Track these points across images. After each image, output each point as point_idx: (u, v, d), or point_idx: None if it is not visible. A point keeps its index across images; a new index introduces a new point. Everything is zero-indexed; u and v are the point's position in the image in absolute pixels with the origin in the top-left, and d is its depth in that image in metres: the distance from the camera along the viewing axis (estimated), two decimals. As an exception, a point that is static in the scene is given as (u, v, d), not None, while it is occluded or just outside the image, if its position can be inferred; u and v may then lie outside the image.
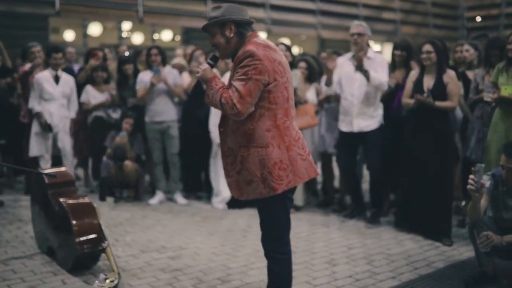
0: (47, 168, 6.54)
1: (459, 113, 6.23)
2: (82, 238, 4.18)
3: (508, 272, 4.14)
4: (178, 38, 16.11)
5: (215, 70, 3.66)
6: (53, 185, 4.60)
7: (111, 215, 6.13)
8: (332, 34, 16.82)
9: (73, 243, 4.17)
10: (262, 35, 16.07)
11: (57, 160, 6.93)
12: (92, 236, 4.23)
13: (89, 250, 4.19)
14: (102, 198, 6.75)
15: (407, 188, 5.45)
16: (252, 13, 15.53)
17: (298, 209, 6.33)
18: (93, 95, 7.20)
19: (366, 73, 5.55)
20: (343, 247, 5.05)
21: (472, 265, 4.45)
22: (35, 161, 6.76)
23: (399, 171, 5.63)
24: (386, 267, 4.51)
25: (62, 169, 4.93)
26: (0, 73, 6.40)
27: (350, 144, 5.93)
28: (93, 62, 7.26)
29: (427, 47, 5.25)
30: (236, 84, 2.94)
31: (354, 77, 5.73)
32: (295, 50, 17.84)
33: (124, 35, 15.67)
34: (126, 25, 15.62)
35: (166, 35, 15.96)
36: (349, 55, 5.96)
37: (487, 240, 3.86)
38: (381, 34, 17.43)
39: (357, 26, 5.83)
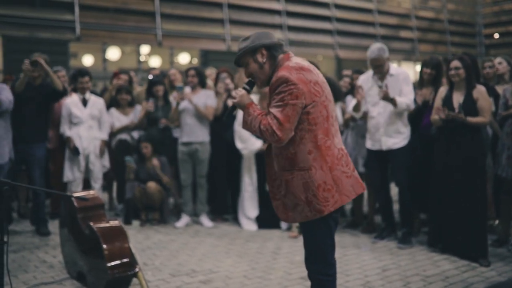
0: (77, 191, 6.55)
1: (488, 130, 6.12)
2: (113, 263, 4.11)
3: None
4: (195, 60, 16.19)
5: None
6: (82, 209, 4.56)
7: (138, 239, 6.06)
8: (350, 54, 16.78)
9: (104, 268, 4.10)
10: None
11: (86, 183, 6.92)
12: (124, 260, 4.16)
13: (121, 274, 4.12)
14: (128, 222, 6.69)
15: (438, 207, 5.32)
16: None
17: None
18: (117, 118, 7.19)
19: (392, 101, 5.47)
20: (377, 268, 4.93)
21: (513, 286, 4.32)
22: (64, 185, 6.75)
23: (429, 190, 5.50)
24: (424, 289, 4.39)
25: (92, 192, 4.89)
26: (53, 96, 6.34)
27: (380, 163, 5.84)
28: (115, 81, 7.26)
29: (455, 63, 5.17)
30: (274, 111, 2.90)
31: (378, 95, 5.65)
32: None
33: (142, 58, 15.80)
34: (145, 49, 15.75)
35: (183, 58, 16.04)
36: (371, 72, 5.88)
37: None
38: (398, 53, 17.35)
39: (374, 59, 5.68)
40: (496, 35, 18.94)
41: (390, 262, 5.12)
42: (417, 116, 5.92)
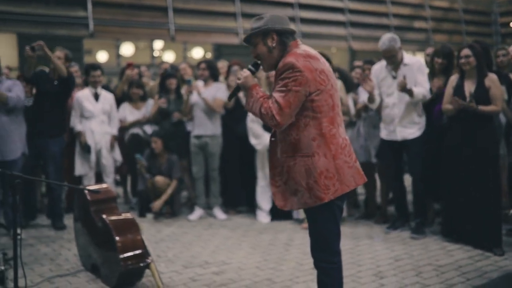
0: (90, 185, 6.62)
1: (502, 118, 6.07)
2: (126, 254, 4.15)
3: None
4: (209, 55, 16.21)
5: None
6: (95, 202, 4.60)
7: (152, 231, 6.11)
8: (363, 45, 16.69)
9: (117, 260, 4.15)
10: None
11: (98, 177, 6.99)
12: (136, 252, 4.20)
13: (133, 266, 4.16)
14: (142, 214, 6.75)
15: (450, 197, 5.29)
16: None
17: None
18: (130, 112, 7.24)
19: (409, 92, 5.43)
20: (389, 259, 4.91)
21: (527, 275, 4.29)
22: (78, 179, 6.81)
23: (441, 180, 5.47)
24: (437, 279, 4.36)
25: (104, 185, 4.93)
26: (63, 86, 6.33)
27: (394, 153, 5.81)
28: (129, 72, 7.29)
29: (465, 51, 5.12)
30: (276, 95, 2.91)
31: (393, 84, 5.62)
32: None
33: (156, 54, 15.85)
34: (158, 44, 15.80)
35: (197, 52, 16.07)
36: (384, 62, 5.84)
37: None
38: (413, 44, 17.22)
39: (386, 50, 5.61)
40: (513, 24, 18.73)
41: (402, 252, 5.10)
42: (430, 106, 5.87)
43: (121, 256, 4.14)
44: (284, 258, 5.01)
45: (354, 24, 16.56)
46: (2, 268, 4.39)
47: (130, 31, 13.85)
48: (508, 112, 5.89)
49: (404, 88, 5.40)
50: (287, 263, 4.87)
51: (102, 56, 15.25)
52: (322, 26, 16.06)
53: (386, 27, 16.81)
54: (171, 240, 5.76)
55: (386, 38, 5.68)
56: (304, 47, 3.06)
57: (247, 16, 14.53)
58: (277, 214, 6.45)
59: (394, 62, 5.67)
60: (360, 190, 7.31)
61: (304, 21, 15.73)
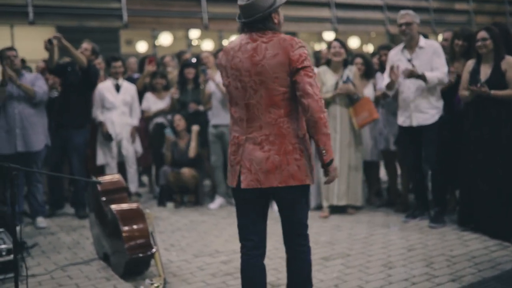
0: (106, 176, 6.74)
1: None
2: (131, 244, 4.22)
3: None
4: (244, 42, 16.18)
5: None
6: (105, 192, 4.69)
7: (171, 221, 6.19)
8: (418, 25, 16.29)
9: (123, 249, 4.22)
10: (329, 34, 15.86)
11: (122, 167, 7.11)
12: (141, 241, 4.26)
13: (139, 255, 4.22)
14: (162, 204, 6.84)
15: (468, 185, 5.13)
16: (318, 12, 15.37)
17: (358, 209, 6.15)
18: (154, 102, 7.32)
19: (421, 77, 5.29)
20: (402, 248, 4.81)
21: (543, 266, 4.12)
22: (101, 168, 6.95)
23: (460, 167, 5.31)
24: (447, 270, 4.24)
25: (115, 176, 5.02)
26: (85, 77, 6.49)
27: (411, 139, 5.67)
28: (150, 68, 7.37)
29: (482, 34, 4.94)
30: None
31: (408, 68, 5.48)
32: (368, 48, 17.48)
33: (194, 43, 15.93)
34: (195, 33, 15.85)
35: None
36: (400, 46, 5.71)
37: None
38: (453, 26, 16.66)
39: (403, 15, 5.57)
40: (561, 2, 17.91)
41: (417, 241, 4.99)
42: (451, 92, 5.68)
43: (127, 245, 4.21)
44: (296, 247, 4.98)
45: (391, 8, 16.15)
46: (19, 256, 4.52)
47: (163, 21, 13.99)
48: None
49: (412, 75, 5.27)
50: (297, 252, 4.83)
51: (141, 46, 15.45)
52: (358, 11, 15.77)
53: (425, 10, 16.35)
54: (187, 229, 5.82)
55: (406, 11, 5.66)
56: (236, 39, 3.12)
57: (280, 2, 14.35)
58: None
59: (410, 38, 5.54)
60: (384, 177, 7.17)
61: (340, 6, 15.48)
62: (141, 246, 4.24)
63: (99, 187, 4.69)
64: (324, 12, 15.37)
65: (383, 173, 6.94)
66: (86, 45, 6.65)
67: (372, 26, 16.33)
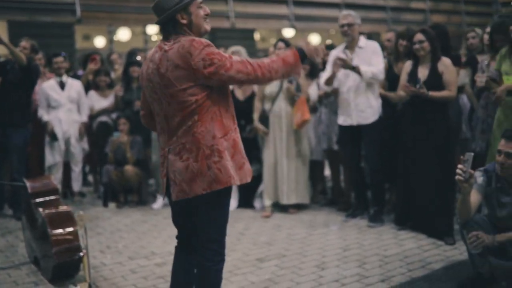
0: (58, 175, 6.60)
1: (466, 102, 5.92)
2: (59, 248, 4.11)
3: (506, 272, 3.82)
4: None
5: None
6: (35, 195, 4.56)
7: (112, 221, 6.08)
8: (360, 26, 16.42)
9: (51, 253, 4.11)
10: (288, 32, 15.88)
11: (67, 166, 6.97)
12: (69, 245, 4.16)
13: (67, 259, 4.12)
14: (105, 204, 6.72)
15: (405, 185, 5.18)
16: (276, 9, 15.34)
17: (301, 208, 6.16)
18: (97, 100, 7.19)
19: (355, 70, 5.33)
20: (338, 249, 4.83)
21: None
22: (42, 168, 6.79)
23: (397, 167, 5.36)
24: (378, 270, 4.27)
25: (47, 177, 4.90)
26: (23, 75, 6.27)
27: (351, 138, 5.70)
28: (92, 66, 7.23)
29: (419, 36, 4.99)
30: None
31: (347, 70, 5.51)
32: (328, 43, 17.49)
33: (153, 38, 15.73)
34: (153, 29, 15.65)
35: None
36: (342, 47, 5.75)
37: (477, 240, 3.59)
38: (410, 25, 16.83)
39: (345, 16, 5.61)
40: (514, 2, 18.27)
41: (354, 241, 5.01)
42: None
43: (55, 249, 4.10)
44: (233, 248, 4.94)
45: (349, 5, 16.18)
46: None
47: (119, 16, 13.74)
48: (471, 95, 5.75)
49: (347, 66, 5.32)
50: (234, 253, 4.80)
51: (99, 42, 15.20)
52: (316, 8, 15.81)
53: (382, 8, 16.53)
54: (127, 230, 5.73)
55: (348, 12, 5.72)
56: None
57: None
58: (242, 201, 6.40)
59: (351, 38, 5.60)
60: (329, 176, 7.20)
61: (298, 3, 15.49)
62: (69, 250, 4.14)
63: (29, 189, 4.57)
64: (282, 10, 15.35)
65: (328, 172, 6.97)
66: (24, 43, 6.48)
67: (330, 24, 16.37)
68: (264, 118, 6.06)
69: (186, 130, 2.82)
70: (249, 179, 2.97)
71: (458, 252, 4.59)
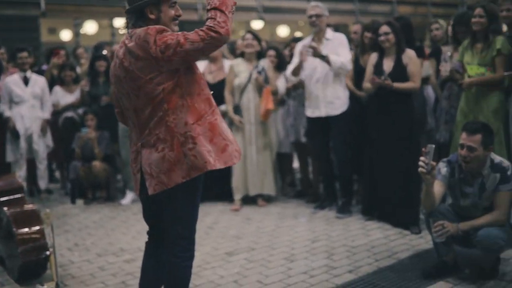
0: (21, 172, 6.50)
1: (431, 93, 6.01)
2: (25, 247, 4.04)
3: (469, 260, 3.92)
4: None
5: None
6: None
7: (79, 218, 6.02)
8: (328, 18, 16.47)
9: (17, 253, 4.05)
10: (256, 23, 15.87)
11: (32, 162, 6.86)
12: (35, 244, 4.09)
13: (33, 258, 4.06)
14: (73, 201, 6.64)
15: (371, 176, 5.25)
16: (244, 1, 15.28)
17: (270, 200, 6.18)
18: (62, 96, 7.08)
19: (324, 58, 5.37)
20: (306, 240, 4.87)
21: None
22: (8, 166, 6.67)
23: (363, 158, 5.43)
24: (346, 261, 4.33)
25: (11, 176, 4.82)
26: None
27: (320, 130, 5.74)
28: (55, 60, 7.12)
29: (384, 28, 5.04)
30: None
31: (315, 61, 5.54)
32: (297, 35, 17.56)
33: (121, 31, 15.49)
34: (120, 22, 15.44)
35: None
36: (309, 39, 5.78)
37: (442, 229, 3.66)
38: (377, 16, 17.01)
39: (313, 7, 5.64)
40: (478, -7, 18.56)
41: (322, 233, 5.06)
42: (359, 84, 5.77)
43: (20, 248, 4.03)
44: (202, 243, 4.92)
45: (317, -3, 16.33)
46: None
47: (85, 9, 13.54)
48: (436, 86, 5.84)
49: (317, 54, 5.38)
50: (203, 248, 4.79)
51: (65, 35, 14.95)
52: (284, 0, 15.82)
53: (350, 0, 16.60)
54: (96, 226, 5.68)
55: (316, 3, 5.74)
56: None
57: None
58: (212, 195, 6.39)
59: (319, 29, 5.65)
60: (298, 168, 7.25)
61: (264, -6, 15.49)
62: (36, 249, 4.07)
63: (-8, 188, 4.48)
64: (251, 1, 15.31)
65: (297, 164, 7.01)
66: None
67: (299, 15, 16.41)
68: (238, 109, 6.04)
69: (158, 121, 2.78)
70: (235, 161, 2.89)
71: (423, 241, 4.68)
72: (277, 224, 5.39)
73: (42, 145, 6.81)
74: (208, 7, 2.69)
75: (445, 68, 5.03)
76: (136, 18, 2.78)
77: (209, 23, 2.64)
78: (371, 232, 4.99)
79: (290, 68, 5.84)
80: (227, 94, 6.10)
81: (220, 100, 6.10)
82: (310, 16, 5.66)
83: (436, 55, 5.93)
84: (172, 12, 2.83)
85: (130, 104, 2.86)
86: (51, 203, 6.76)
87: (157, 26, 2.70)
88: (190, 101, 2.80)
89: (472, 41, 4.94)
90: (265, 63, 6.10)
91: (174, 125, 2.76)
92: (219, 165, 2.81)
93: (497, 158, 3.81)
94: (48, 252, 4.09)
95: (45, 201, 6.83)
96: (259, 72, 5.95)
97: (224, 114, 6.11)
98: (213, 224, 5.51)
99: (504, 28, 5.14)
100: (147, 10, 2.77)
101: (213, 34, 2.61)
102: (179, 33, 2.68)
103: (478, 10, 4.84)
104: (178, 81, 2.76)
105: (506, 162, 3.81)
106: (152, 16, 2.78)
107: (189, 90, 2.79)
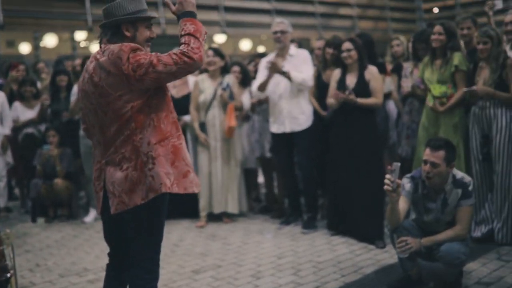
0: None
1: (393, 109, 6.12)
2: (-16, 269, 3.93)
3: (433, 274, 3.99)
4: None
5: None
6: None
7: (40, 237, 5.88)
8: (291, 34, 16.65)
9: (-25, 275, 3.93)
10: (219, 37, 15.90)
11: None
12: (-5, 266, 3.98)
13: (-7, 281, 3.95)
14: (34, 219, 6.48)
15: (335, 190, 5.31)
16: (207, 16, 15.30)
17: (236, 216, 6.16)
18: (22, 111, 6.92)
19: (285, 74, 5.44)
20: (272, 257, 4.87)
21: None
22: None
23: (327, 173, 5.49)
24: (312, 277, 4.34)
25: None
26: None
27: (285, 146, 5.78)
28: (13, 74, 6.99)
29: (347, 45, 5.13)
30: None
31: (278, 76, 5.60)
32: (259, 50, 17.67)
33: (82, 45, 15.33)
34: (81, 35, 15.26)
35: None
36: (273, 55, 5.83)
37: (406, 245, 3.71)
38: (338, 31, 17.26)
39: (278, 24, 5.71)
40: (436, 10, 19.03)
41: (288, 249, 5.07)
42: (322, 100, 5.83)
43: (-21, 271, 3.92)
44: (168, 260, 4.87)
45: (279, 12, 16.44)
46: None
47: (45, 22, 13.29)
48: (397, 101, 5.95)
49: (276, 69, 5.44)
50: (169, 266, 4.74)
51: (24, 48, 14.66)
52: (247, 15, 15.90)
53: (311, 14, 16.81)
54: (57, 245, 5.55)
55: (281, 20, 5.83)
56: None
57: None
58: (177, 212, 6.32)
59: (283, 46, 5.70)
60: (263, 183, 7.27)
61: (228, 9, 15.54)
62: (-5, 271, 3.96)
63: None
64: (213, 16, 15.34)
65: (262, 179, 7.02)
66: None
67: (261, 30, 16.53)
68: (203, 126, 6.01)
69: (125, 140, 2.75)
70: (196, 190, 2.86)
71: (388, 255, 4.73)
72: (243, 241, 5.38)
73: (2, 162, 6.63)
74: (182, 33, 2.71)
75: (407, 84, 5.15)
76: (112, 34, 2.79)
77: (182, 48, 2.65)
78: (337, 247, 5.02)
79: (256, 83, 5.87)
80: (192, 111, 6.07)
81: (184, 113, 6.09)
82: (275, 32, 5.72)
83: (397, 71, 6.06)
84: (148, 33, 2.86)
85: (96, 120, 2.82)
86: (10, 221, 6.59)
87: (132, 44, 2.69)
88: (156, 121, 2.78)
89: (432, 57, 5.08)
90: (230, 79, 6.09)
91: (140, 145, 2.74)
92: (176, 189, 2.77)
93: (459, 174, 3.90)
94: (9, 275, 3.97)
95: (4, 219, 6.65)
96: (224, 89, 5.94)
97: (186, 126, 6.10)
98: (179, 242, 5.46)
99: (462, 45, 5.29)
100: (123, 27, 2.78)
101: (186, 59, 2.62)
102: (153, 53, 2.68)
103: (438, 28, 4.99)
104: (147, 100, 2.74)
105: (467, 178, 3.90)
106: (128, 34, 2.79)
107: (157, 110, 2.77)
